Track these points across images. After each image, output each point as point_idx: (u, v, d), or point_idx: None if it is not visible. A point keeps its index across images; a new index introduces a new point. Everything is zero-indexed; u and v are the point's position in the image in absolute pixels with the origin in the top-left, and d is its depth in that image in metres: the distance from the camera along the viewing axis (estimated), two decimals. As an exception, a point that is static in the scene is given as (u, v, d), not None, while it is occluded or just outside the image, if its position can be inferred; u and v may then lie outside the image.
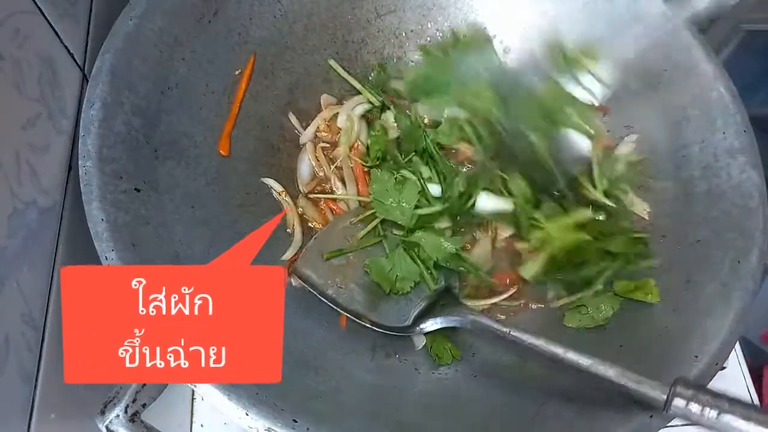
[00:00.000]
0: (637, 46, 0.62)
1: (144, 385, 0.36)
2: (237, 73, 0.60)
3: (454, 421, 0.49)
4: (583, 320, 0.57)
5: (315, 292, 0.54)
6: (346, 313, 0.54)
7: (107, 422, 0.34)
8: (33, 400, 0.39)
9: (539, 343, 0.46)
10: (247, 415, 0.39)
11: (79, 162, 0.44)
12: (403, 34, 0.70)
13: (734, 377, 0.68)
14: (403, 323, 0.55)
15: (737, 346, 0.69)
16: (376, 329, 0.54)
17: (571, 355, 0.45)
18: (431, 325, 0.53)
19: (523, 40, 0.69)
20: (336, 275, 0.56)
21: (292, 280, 0.55)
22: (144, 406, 0.35)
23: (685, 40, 0.60)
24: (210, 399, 0.39)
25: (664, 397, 0.40)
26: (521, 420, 0.48)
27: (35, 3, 0.42)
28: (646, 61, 0.62)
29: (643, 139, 0.63)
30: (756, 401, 0.67)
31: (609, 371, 0.43)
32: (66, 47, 0.47)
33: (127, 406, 0.35)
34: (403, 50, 0.70)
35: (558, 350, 0.45)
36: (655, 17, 0.61)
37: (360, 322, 0.54)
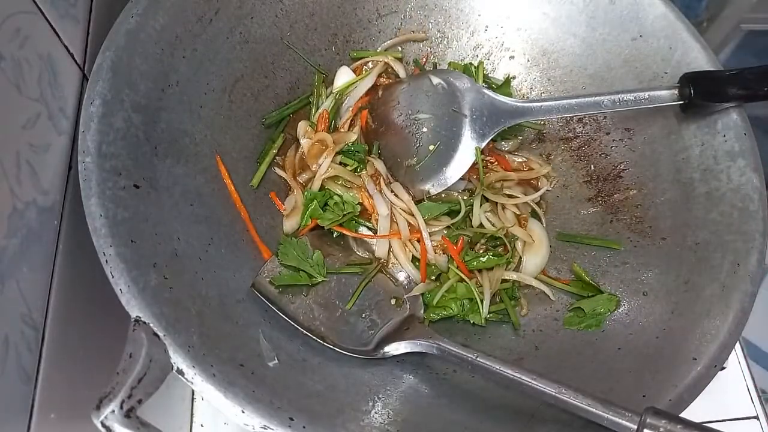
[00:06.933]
0: (638, 47, 0.62)
1: (140, 380, 0.36)
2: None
3: (452, 421, 0.49)
4: (582, 323, 0.57)
5: (274, 308, 0.52)
6: (306, 333, 0.51)
7: (102, 418, 0.34)
8: (33, 400, 0.39)
9: (506, 370, 0.45)
10: (243, 412, 0.40)
11: (79, 158, 0.44)
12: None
13: (734, 378, 0.68)
14: (365, 347, 0.53)
15: (737, 346, 0.69)
16: (338, 350, 0.51)
17: (539, 385, 0.43)
18: (395, 349, 0.51)
19: (524, 42, 0.69)
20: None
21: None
22: (140, 402, 0.35)
23: (685, 41, 0.60)
24: (207, 396, 0.40)
25: (635, 427, 0.39)
26: (516, 421, 0.48)
27: (35, 3, 0.42)
28: (646, 62, 0.62)
29: (643, 142, 0.63)
30: (756, 401, 0.67)
31: (580, 401, 0.41)
32: (66, 47, 0.47)
33: (122, 402, 0.35)
34: (404, 51, 0.70)
35: (526, 378, 0.44)
36: (655, 19, 0.61)
37: (321, 342, 0.51)
